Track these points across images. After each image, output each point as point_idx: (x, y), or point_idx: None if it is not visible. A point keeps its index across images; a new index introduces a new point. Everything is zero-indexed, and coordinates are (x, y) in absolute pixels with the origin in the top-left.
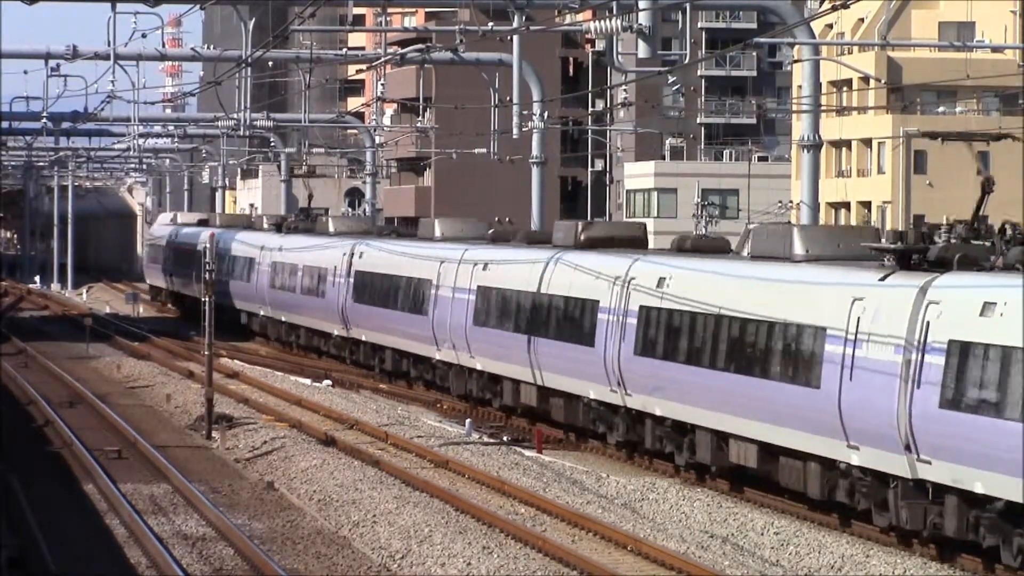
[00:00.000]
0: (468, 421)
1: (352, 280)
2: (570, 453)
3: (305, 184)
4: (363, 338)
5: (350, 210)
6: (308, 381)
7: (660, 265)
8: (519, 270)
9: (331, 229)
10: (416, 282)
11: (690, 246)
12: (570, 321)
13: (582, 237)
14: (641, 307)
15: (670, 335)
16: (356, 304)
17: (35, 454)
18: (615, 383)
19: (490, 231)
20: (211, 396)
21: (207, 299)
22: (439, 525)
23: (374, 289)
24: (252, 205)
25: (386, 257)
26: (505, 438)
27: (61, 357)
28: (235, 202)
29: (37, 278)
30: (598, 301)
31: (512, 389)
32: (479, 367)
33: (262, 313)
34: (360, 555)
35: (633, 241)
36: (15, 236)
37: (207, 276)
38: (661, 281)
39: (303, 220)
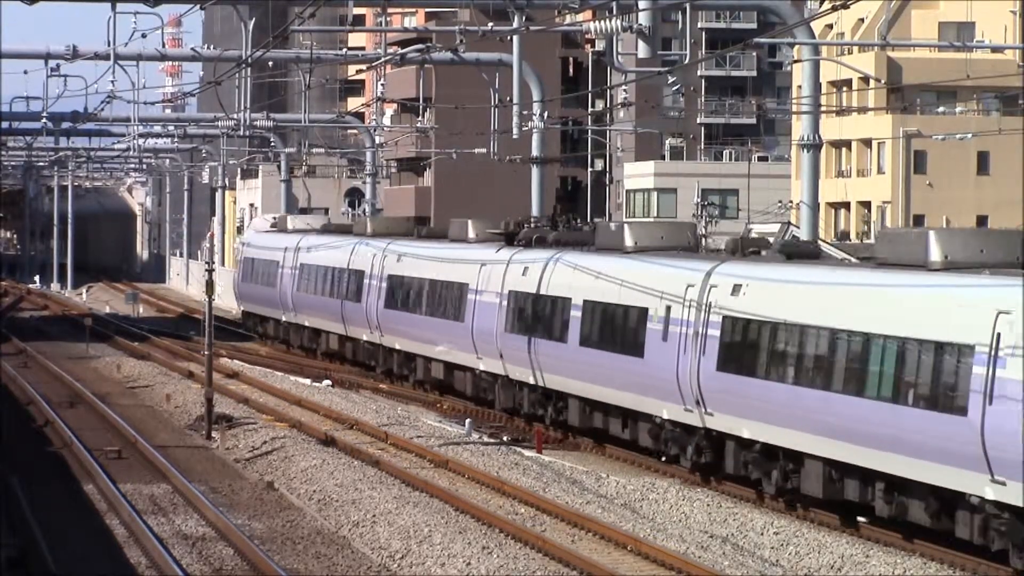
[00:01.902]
0: (468, 421)
1: (716, 332)
2: (570, 453)
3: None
4: (744, 434)
5: (350, 210)
6: (308, 381)
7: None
8: None
9: (629, 243)
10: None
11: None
12: None
13: None
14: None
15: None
16: (724, 374)
17: (35, 454)
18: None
19: None
20: (211, 396)
21: (208, 300)
22: (439, 525)
23: (776, 350)
24: (252, 205)
25: (804, 294)
26: (505, 438)
27: (61, 357)
28: (235, 202)
29: (37, 278)
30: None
31: None
32: None
33: (481, 368)
34: (360, 555)
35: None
36: (15, 236)
37: (207, 276)
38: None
39: (549, 227)
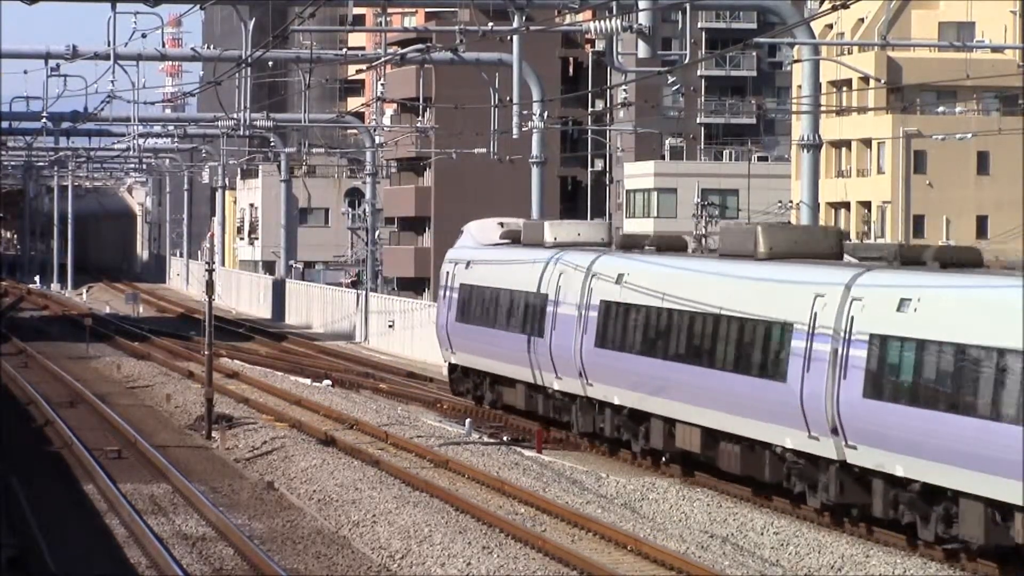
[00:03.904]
0: (468, 421)
1: None
2: (570, 453)
3: None
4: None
5: (350, 210)
6: (308, 381)
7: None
8: None
9: None
10: None
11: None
12: None
13: None
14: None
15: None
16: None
17: (35, 454)
18: None
19: None
20: (211, 396)
21: (208, 300)
22: (439, 525)
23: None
24: (252, 205)
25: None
26: (505, 438)
27: (61, 357)
28: (235, 202)
29: (37, 278)
30: None
31: None
32: None
33: None
34: (360, 555)
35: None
36: (15, 236)
37: (208, 276)
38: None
39: None
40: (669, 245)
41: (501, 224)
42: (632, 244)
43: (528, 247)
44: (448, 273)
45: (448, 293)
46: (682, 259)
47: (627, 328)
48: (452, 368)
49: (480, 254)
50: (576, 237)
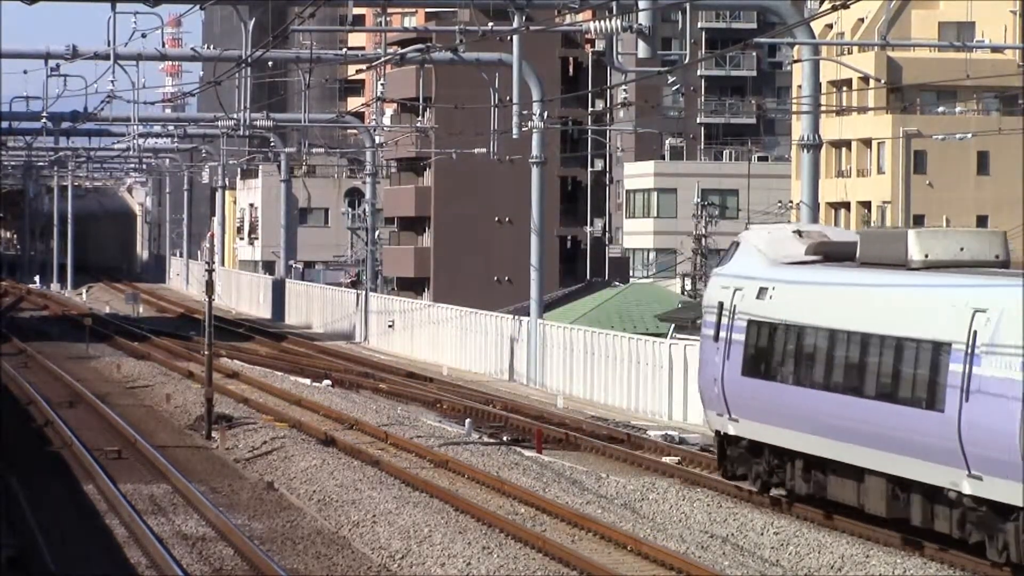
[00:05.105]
0: (468, 421)
1: None
2: (570, 453)
3: None
4: None
5: (350, 210)
6: (308, 381)
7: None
8: None
9: None
10: None
11: None
12: None
13: None
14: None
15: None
16: None
17: (35, 454)
18: None
19: None
20: (211, 396)
21: (208, 300)
22: (439, 525)
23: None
24: (252, 205)
25: None
26: (505, 438)
27: (61, 357)
28: (235, 202)
29: (37, 278)
30: None
31: None
32: None
33: None
34: (360, 555)
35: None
36: (15, 236)
37: (207, 276)
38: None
39: None
40: None
41: (800, 233)
42: None
43: (874, 269)
44: (721, 304)
45: (724, 333)
46: None
47: None
48: (728, 440)
49: (778, 276)
50: (958, 254)
